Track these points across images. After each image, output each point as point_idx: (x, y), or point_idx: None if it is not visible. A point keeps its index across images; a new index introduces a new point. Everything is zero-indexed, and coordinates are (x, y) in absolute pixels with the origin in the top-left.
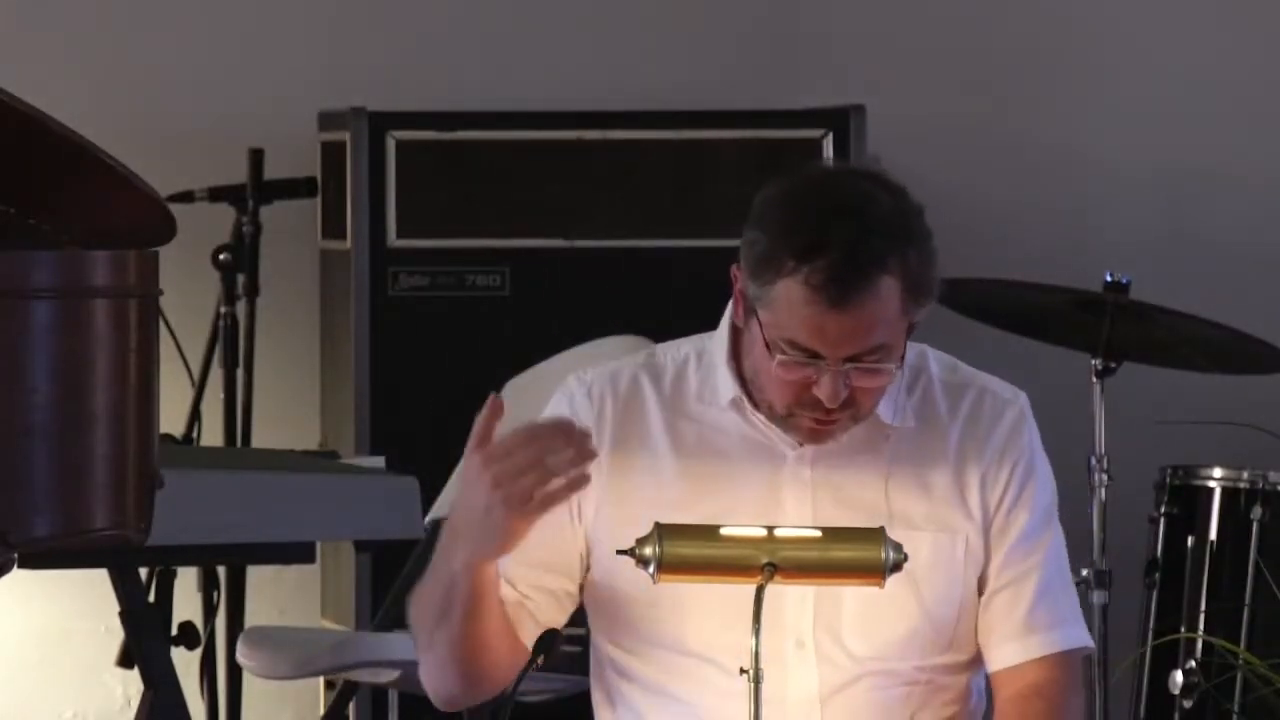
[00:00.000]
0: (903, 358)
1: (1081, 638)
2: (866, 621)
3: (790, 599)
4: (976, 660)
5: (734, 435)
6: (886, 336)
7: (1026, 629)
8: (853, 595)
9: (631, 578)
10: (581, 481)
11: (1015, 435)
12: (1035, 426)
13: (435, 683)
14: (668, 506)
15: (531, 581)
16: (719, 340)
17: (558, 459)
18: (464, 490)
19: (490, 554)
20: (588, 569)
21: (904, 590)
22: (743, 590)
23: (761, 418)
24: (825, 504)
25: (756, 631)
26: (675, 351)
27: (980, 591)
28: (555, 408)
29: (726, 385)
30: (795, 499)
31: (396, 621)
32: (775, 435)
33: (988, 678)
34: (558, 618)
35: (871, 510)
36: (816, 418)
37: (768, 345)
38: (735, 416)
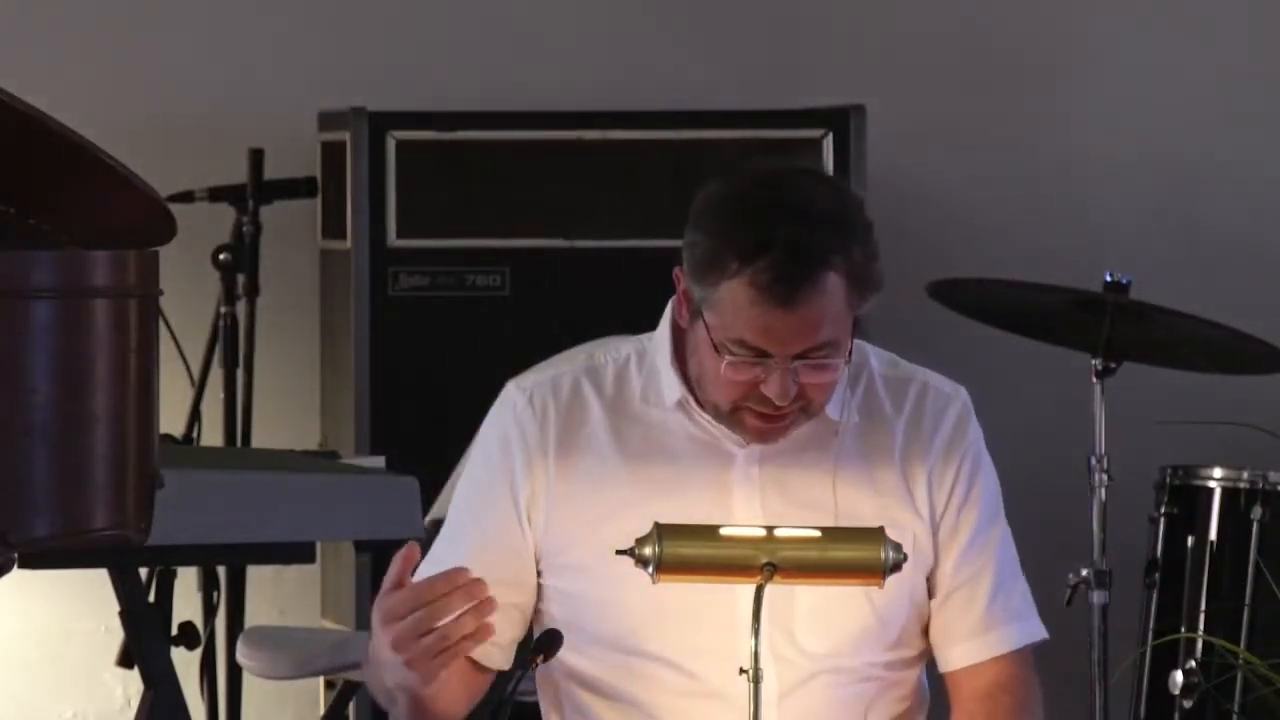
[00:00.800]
0: (850, 353)
1: (1037, 630)
2: (818, 619)
3: (744, 599)
4: (922, 656)
5: (680, 435)
6: (834, 332)
7: (984, 627)
8: (805, 593)
9: (586, 582)
10: (485, 634)
11: (959, 432)
12: (976, 421)
13: None
14: (617, 509)
15: (501, 600)
16: (660, 341)
17: (454, 625)
18: (373, 635)
19: (414, 688)
20: (539, 577)
21: (855, 588)
22: (695, 591)
23: (708, 418)
24: (774, 502)
25: (756, 631)
26: (615, 353)
27: (931, 591)
28: (497, 417)
29: (671, 386)
30: (744, 497)
31: None
32: (722, 434)
33: (944, 676)
34: (514, 634)
35: (819, 507)
36: (764, 413)
37: (715, 346)
38: (681, 417)
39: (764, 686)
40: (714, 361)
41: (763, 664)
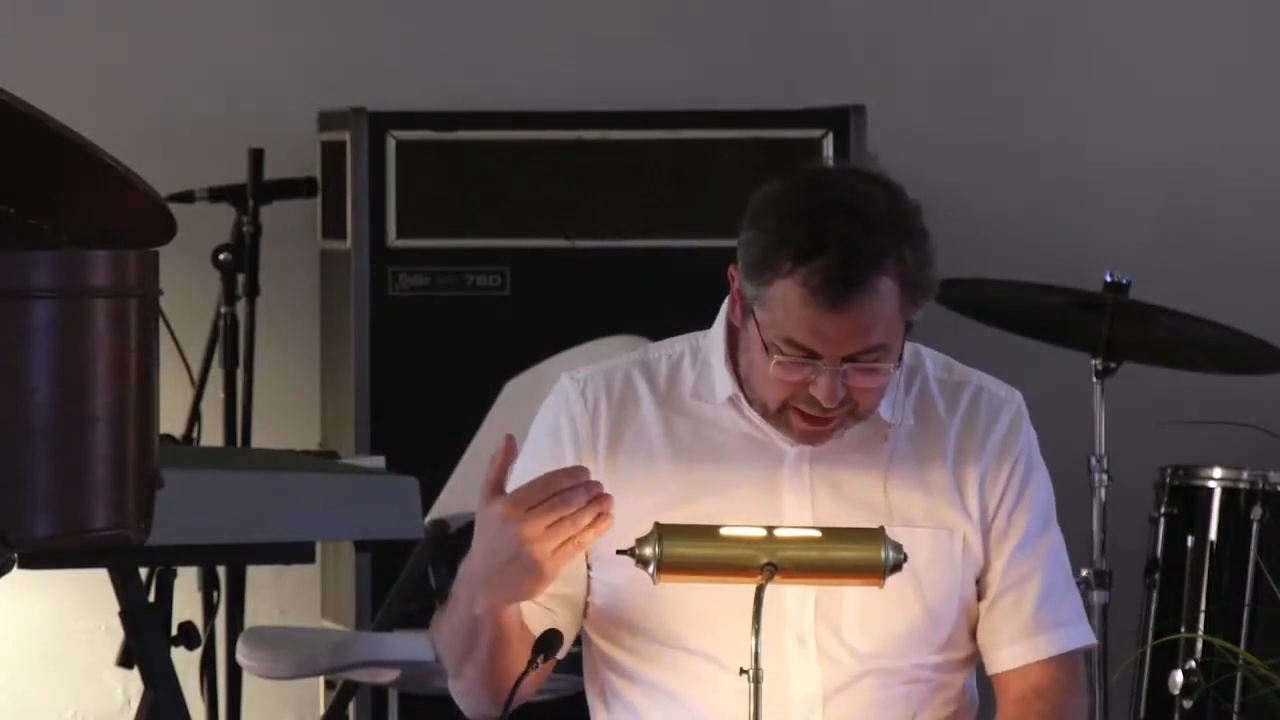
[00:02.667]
0: (901, 357)
1: (1084, 635)
2: (867, 618)
3: (791, 596)
4: (971, 659)
5: (731, 432)
6: (885, 336)
7: (1032, 630)
8: (853, 592)
9: (633, 576)
10: (605, 523)
11: (1013, 435)
12: (1031, 426)
13: (469, 705)
14: (666, 504)
15: (550, 592)
16: (714, 338)
17: (581, 509)
18: (483, 539)
19: (517, 599)
20: (589, 570)
21: (904, 587)
22: (745, 588)
23: (758, 415)
24: (824, 501)
25: (756, 631)
26: (669, 349)
27: (980, 593)
28: (550, 408)
29: (724, 382)
30: (794, 496)
31: (397, 621)
32: (773, 432)
33: (991, 679)
34: (576, 625)
35: (871, 507)
36: (810, 415)
37: (765, 345)
38: (732, 413)
39: (808, 685)
40: (763, 360)
41: (809, 663)
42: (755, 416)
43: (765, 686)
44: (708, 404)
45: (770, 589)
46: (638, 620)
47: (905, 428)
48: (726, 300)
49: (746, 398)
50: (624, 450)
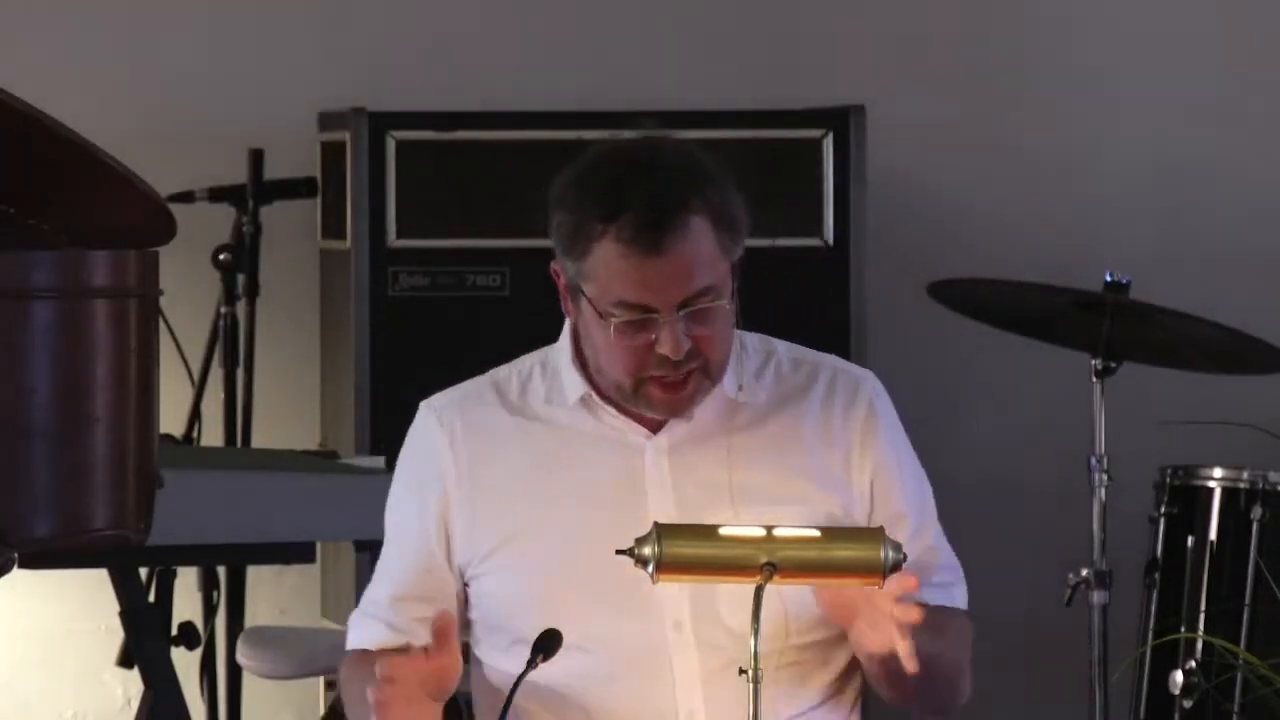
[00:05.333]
0: (733, 295)
1: (958, 597)
2: (738, 600)
3: (667, 583)
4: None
5: (587, 434)
6: (710, 277)
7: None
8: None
9: (508, 586)
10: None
11: (874, 412)
12: (888, 399)
13: None
14: (531, 516)
15: (413, 615)
16: (560, 347)
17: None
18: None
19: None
20: (466, 588)
21: None
22: (613, 581)
23: (611, 410)
24: (686, 488)
25: (756, 631)
26: (519, 366)
27: None
28: (411, 440)
29: (573, 384)
30: (656, 489)
31: None
32: (628, 427)
33: None
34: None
35: (730, 489)
36: (665, 378)
37: (601, 316)
38: (585, 414)
39: (688, 669)
40: (604, 336)
41: (687, 647)
42: (609, 415)
43: (650, 674)
44: (560, 408)
45: (642, 577)
46: (517, 624)
47: (760, 409)
48: (567, 317)
49: (600, 393)
50: (485, 469)
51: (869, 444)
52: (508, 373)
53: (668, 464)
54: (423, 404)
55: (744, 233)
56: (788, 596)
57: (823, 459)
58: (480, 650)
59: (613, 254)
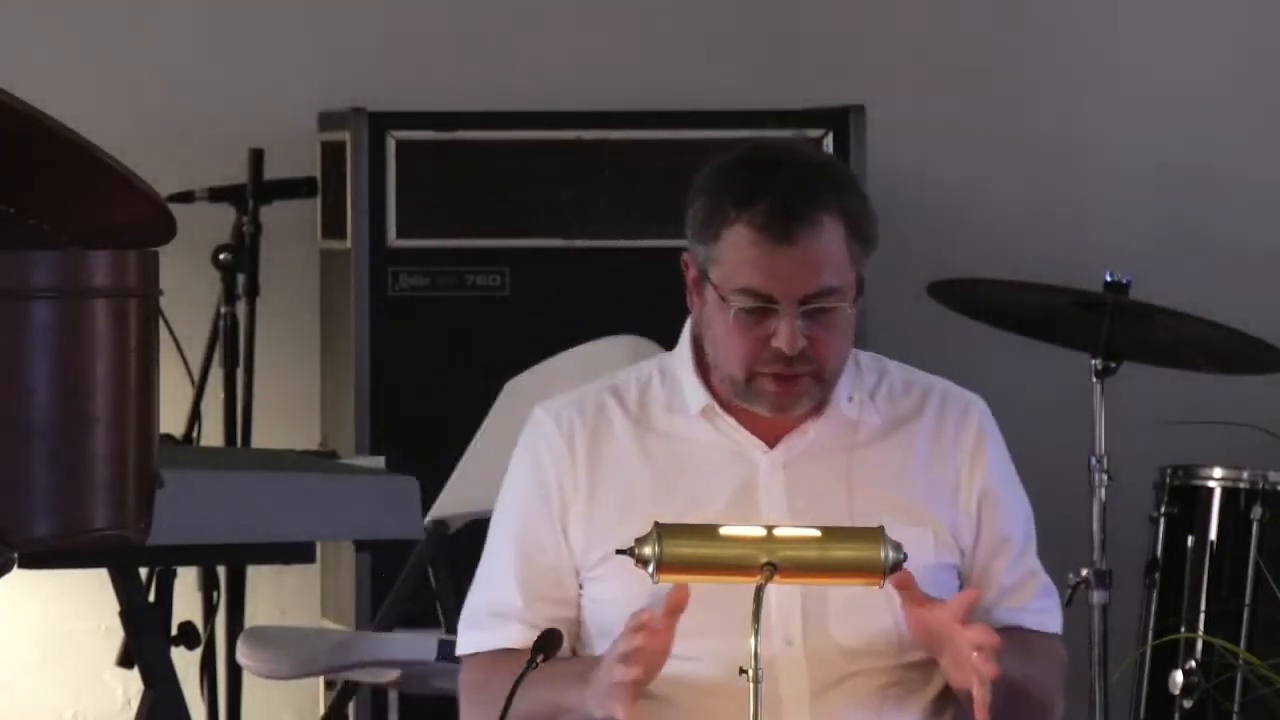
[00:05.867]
0: (856, 304)
1: (1054, 624)
2: (852, 618)
3: (777, 596)
4: None
5: (704, 444)
6: (836, 278)
7: (1005, 603)
8: (837, 592)
9: (621, 592)
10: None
11: (981, 436)
12: (996, 426)
13: None
14: (647, 522)
15: (548, 615)
16: (681, 354)
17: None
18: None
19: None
20: (580, 590)
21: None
22: (731, 592)
23: (732, 421)
24: (800, 506)
25: (756, 631)
26: (637, 372)
27: (961, 584)
28: (528, 441)
29: (695, 393)
30: (770, 501)
31: (397, 621)
32: (746, 440)
33: None
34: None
35: (844, 508)
36: (777, 374)
37: (723, 300)
38: (705, 425)
39: (796, 686)
40: (723, 323)
41: (797, 664)
42: (729, 426)
43: (758, 689)
44: (680, 416)
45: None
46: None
47: (874, 429)
48: (689, 319)
49: (721, 402)
50: (603, 473)
51: (977, 467)
52: (626, 379)
53: (783, 478)
54: (538, 408)
55: (874, 247)
56: (900, 616)
57: (934, 480)
58: (587, 655)
59: (743, 239)
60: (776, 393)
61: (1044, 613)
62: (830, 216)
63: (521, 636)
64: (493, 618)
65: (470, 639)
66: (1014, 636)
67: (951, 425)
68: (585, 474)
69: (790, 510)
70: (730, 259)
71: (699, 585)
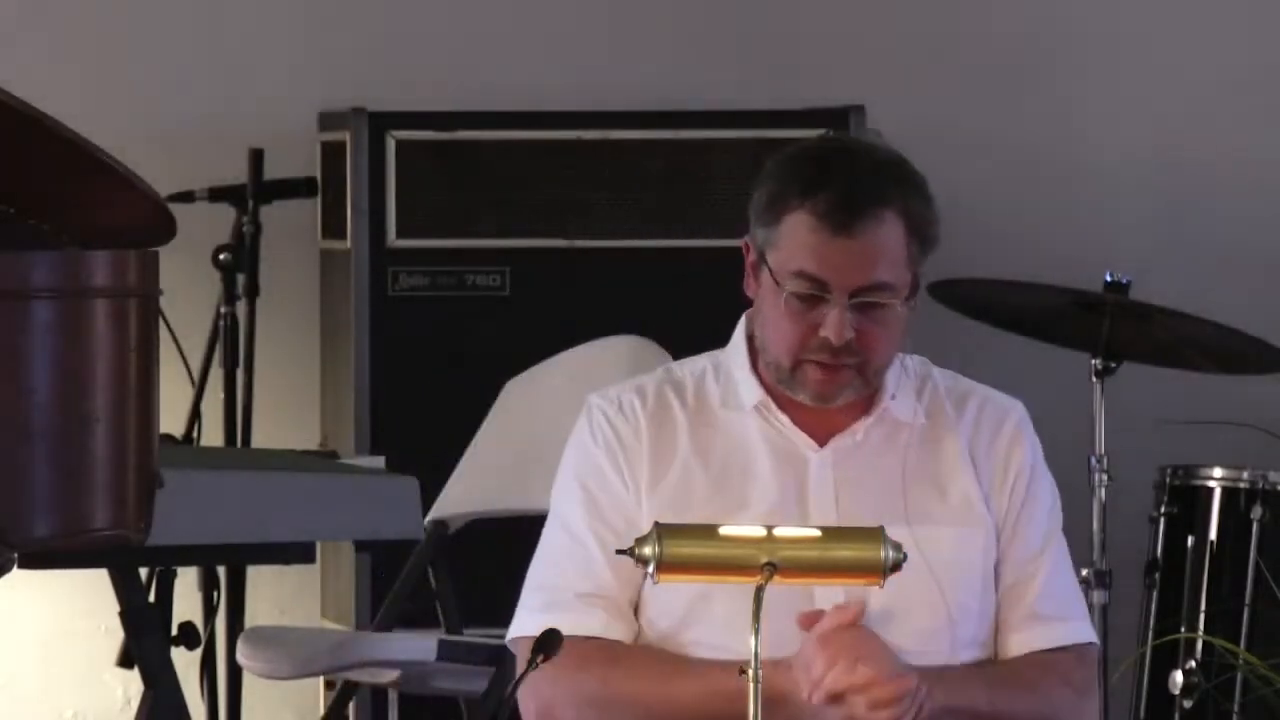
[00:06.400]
0: (909, 304)
1: (1087, 632)
2: (892, 617)
3: (819, 597)
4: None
5: (758, 440)
6: (890, 274)
7: (1031, 622)
8: (878, 591)
9: (673, 584)
10: None
11: (1018, 441)
12: (1034, 432)
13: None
14: (702, 512)
15: (630, 597)
16: (735, 350)
17: None
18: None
19: None
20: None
21: (927, 584)
22: (781, 594)
23: (785, 420)
24: (848, 503)
25: (756, 631)
26: (691, 366)
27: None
28: (587, 427)
29: (750, 389)
30: (819, 500)
31: (397, 621)
32: (799, 439)
33: None
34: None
35: (893, 508)
36: (822, 361)
37: (777, 284)
38: (759, 421)
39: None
40: (775, 306)
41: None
42: (782, 423)
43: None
44: (735, 412)
45: (800, 591)
46: (673, 634)
47: (920, 430)
48: (744, 316)
49: (777, 402)
50: (664, 460)
51: (1010, 472)
52: (681, 373)
53: (832, 477)
54: (595, 396)
55: (933, 248)
56: (956, 615)
57: (973, 484)
58: (644, 638)
59: (803, 225)
60: (820, 380)
61: (1067, 622)
62: (892, 212)
63: (608, 620)
64: (580, 600)
65: (549, 620)
66: (989, 667)
67: (987, 431)
68: (649, 459)
69: (838, 510)
70: (788, 243)
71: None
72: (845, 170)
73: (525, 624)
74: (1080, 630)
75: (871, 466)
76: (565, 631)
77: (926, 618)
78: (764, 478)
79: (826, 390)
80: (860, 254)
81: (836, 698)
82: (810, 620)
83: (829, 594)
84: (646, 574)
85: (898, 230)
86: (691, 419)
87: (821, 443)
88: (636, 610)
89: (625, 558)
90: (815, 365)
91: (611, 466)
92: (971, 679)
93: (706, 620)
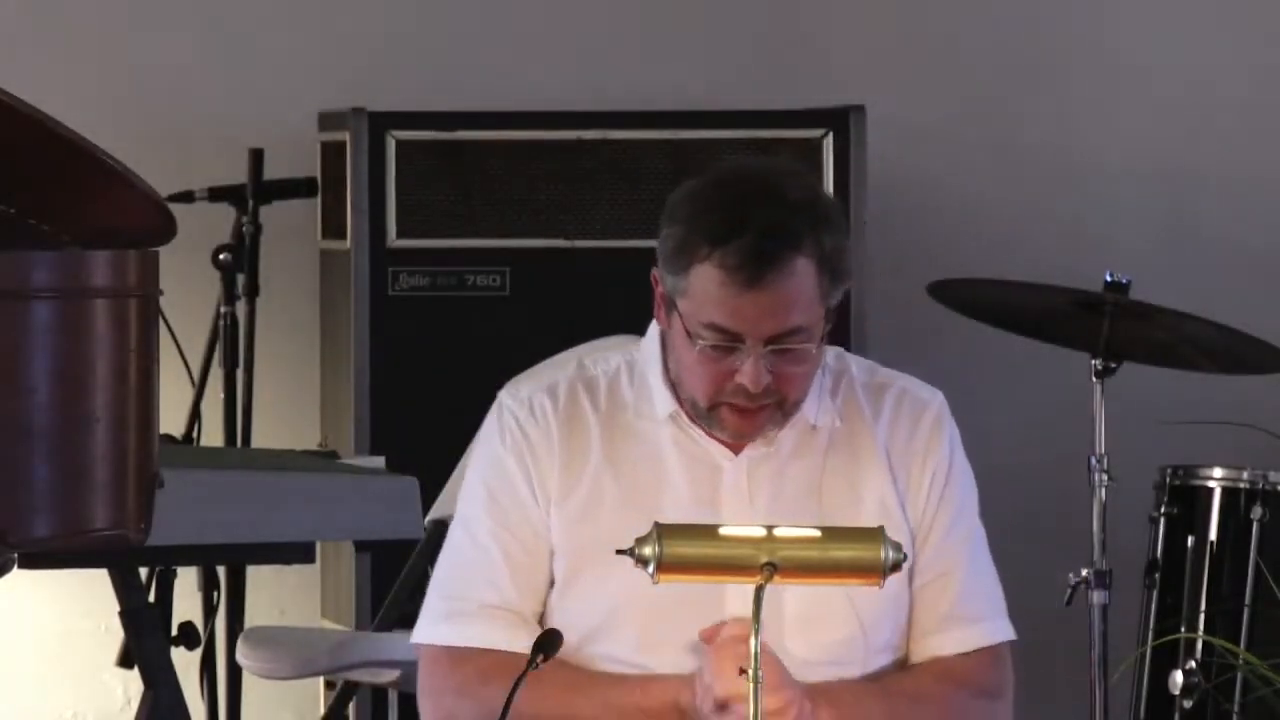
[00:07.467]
0: (823, 339)
1: (1001, 631)
2: (806, 627)
3: (731, 607)
4: None
5: (671, 448)
6: (804, 318)
7: (948, 624)
8: (792, 599)
9: (579, 586)
10: None
11: (936, 436)
12: (954, 424)
13: None
14: (611, 520)
15: (534, 609)
16: (649, 353)
17: None
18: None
19: None
20: (551, 587)
21: (839, 595)
22: (689, 595)
23: (698, 431)
24: (763, 511)
25: (756, 631)
26: (605, 363)
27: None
28: (496, 425)
29: (663, 399)
30: (734, 508)
31: (397, 621)
32: (712, 447)
33: None
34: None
35: (807, 514)
36: (740, 405)
37: (689, 334)
38: (673, 429)
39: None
40: (689, 354)
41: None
42: (695, 431)
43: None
44: (649, 421)
45: (712, 601)
46: (581, 646)
47: (835, 432)
48: (655, 315)
49: (689, 413)
50: (574, 463)
51: (927, 471)
52: (595, 370)
53: (746, 485)
54: (503, 391)
55: (847, 280)
56: (867, 623)
57: (888, 482)
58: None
59: (712, 279)
60: (738, 422)
61: (983, 622)
62: (803, 258)
63: (512, 633)
64: (481, 609)
65: (453, 632)
66: (889, 680)
67: (905, 426)
68: (560, 463)
69: (753, 518)
70: (698, 294)
71: (659, 591)
72: (754, 217)
73: (428, 631)
74: (996, 630)
75: (786, 473)
76: (469, 643)
77: (838, 628)
78: (678, 487)
79: (746, 430)
80: (772, 304)
81: (724, 706)
82: (712, 634)
83: (737, 607)
84: (551, 585)
85: (809, 273)
86: (604, 423)
87: (736, 451)
88: (543, 621)
89: (531, 570)
90: (732, 409)
91: (521, 474)
92: (868, 695)
93: (617, 636)
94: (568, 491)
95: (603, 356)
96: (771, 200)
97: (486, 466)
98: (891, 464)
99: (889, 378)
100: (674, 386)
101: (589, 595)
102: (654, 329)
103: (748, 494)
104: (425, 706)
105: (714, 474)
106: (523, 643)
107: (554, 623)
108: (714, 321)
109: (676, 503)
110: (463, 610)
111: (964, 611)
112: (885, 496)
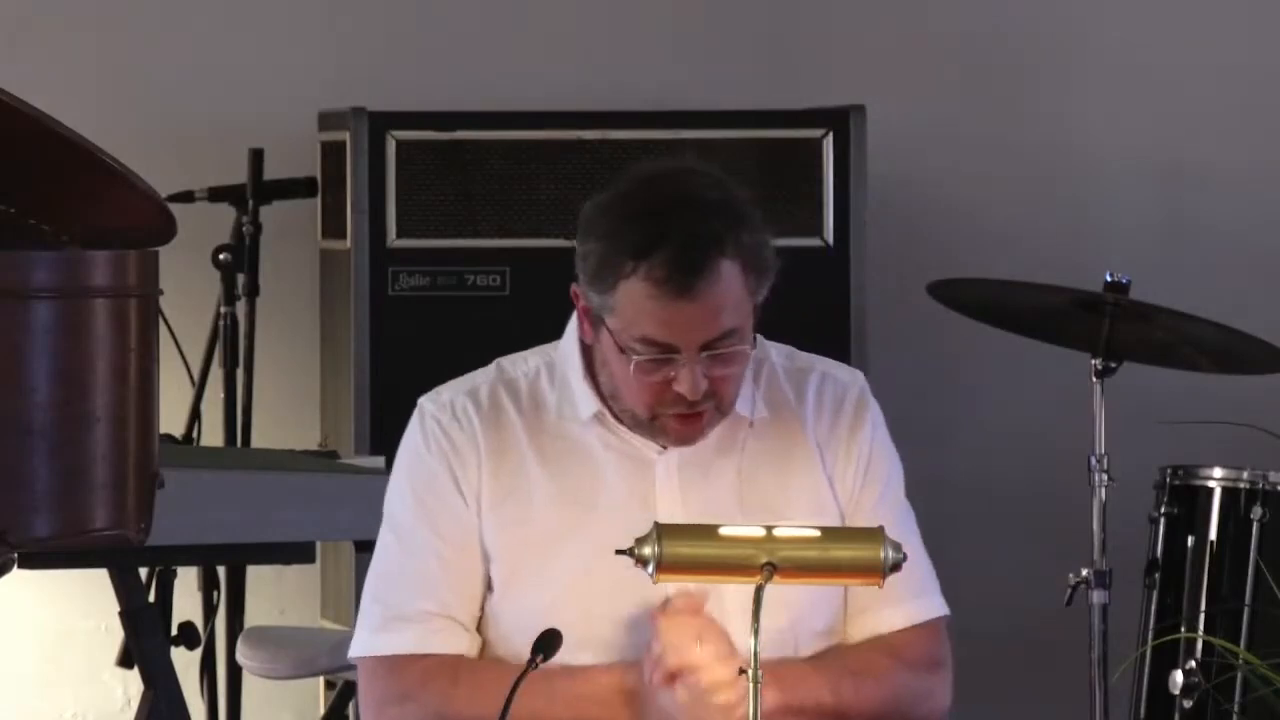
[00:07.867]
0: (754, 337)
1: (934, 608)
2: (735, 617)
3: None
4: None
5: (599, 448)
6: (735, 320)
7: (881, 602)
8: (733, 590)
9: (514, 589)
10: None
11: (859, 417)
12: (876, 404)
13: None
14: (543, 521)
15: (471, 613)
16: (569, 355)
17: None
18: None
19: None
20: (491, 592)
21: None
22: (623, 596)
23: (623, 429)
24: (695, 503)
25: (755, 631)
26: (524, 366)
27: None
28: (422, 436)
29: (585, 400)
30: (666, 501)
31: None
32: (639, 442)
33: None
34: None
35: (739, 504)
36: (681, 414)
37: (621, 349)
38: (599, 429)
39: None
40: (623, 368)
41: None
42: (621, 429)
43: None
44: (573, 422)
45: (650, 594)
46: (524, 647)
47: (761, 422)
48: (574, 316)
49: (613, 413)
50: (501, 464)
51: (854, 454)
52: (514, 372)
53: (678, 479)
54: (423, 399)
55: (772, 273)
56: (799, 613)
57: (817, 467)
58: (495, 654)
59: (640, 293)
60: (680, 430)
61: (917, 599)
62: (728, 261)
63: (466, 643)
64: (416, 615)
65: (389, 641)
66: (830, 657)
67: (829, 409)
68: (488, 470)
69: (685, 510)
70: (628, 310)
71: (596, 588)
72: (673, 225)
73: (366, 643)
74: (930, 606)
75: (715, 464)
76: (408, 650)
77: (784, 614)
78: (611, 483)
79: (690, 435)
80: (703, 312)
81: (673, 677)
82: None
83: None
84: (490, 590)
85: (735, 274)
86: (528, 423)
87: (664, 446)
88: (482, 624)
89: (465, 574)
90: (673, 417)
91: (448, 477)
92: (812, 674)
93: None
94: (497, 492)
95: (521, 358)
96: (686, 205)
97: (412, 472)
98: (820, 449)
99: (808, 362)
100: (597, 387)
101: (527, 594)
102: (571, 329)
103: (679, 485)
104: (366, 717)
105: (646, 469)
106: (461, 645)
107: (495, 625)
108: (646, 335)
109: (610, 497)
110: (400, 617)
111: (899, 588)
112: (815, 481)
